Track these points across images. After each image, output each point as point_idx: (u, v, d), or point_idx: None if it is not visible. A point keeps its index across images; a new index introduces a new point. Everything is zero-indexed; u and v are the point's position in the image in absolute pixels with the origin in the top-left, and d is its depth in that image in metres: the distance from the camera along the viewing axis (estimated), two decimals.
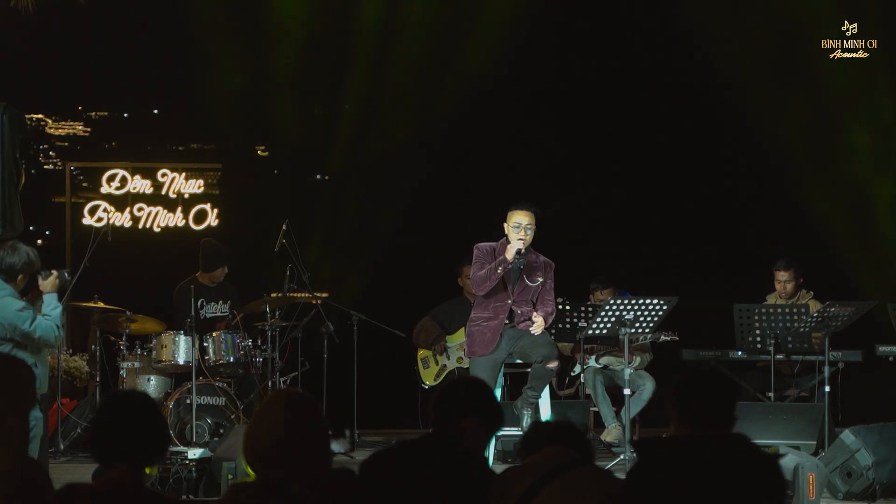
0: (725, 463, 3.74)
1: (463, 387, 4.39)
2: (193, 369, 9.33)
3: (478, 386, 4.37)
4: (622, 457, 8.59)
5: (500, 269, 8.24)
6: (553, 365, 8.40)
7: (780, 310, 9.41)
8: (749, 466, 3.77)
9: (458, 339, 10.21)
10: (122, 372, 9.74)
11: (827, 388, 8.90)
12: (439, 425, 4.21)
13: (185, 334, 9.50)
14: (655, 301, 8.66)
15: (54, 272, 7.35)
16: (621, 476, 4.18)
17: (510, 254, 8.21)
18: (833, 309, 8.96)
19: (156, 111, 13.49)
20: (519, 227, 8.25)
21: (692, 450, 3.76)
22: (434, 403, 4.27)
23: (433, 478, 4.03)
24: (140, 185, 12.40)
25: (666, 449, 3.80)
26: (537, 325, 8.30)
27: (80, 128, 13.97)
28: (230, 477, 7.04)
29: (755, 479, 3.73)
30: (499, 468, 4.21)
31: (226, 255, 10.27)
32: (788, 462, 7.21)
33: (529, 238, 8.26)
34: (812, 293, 9.99)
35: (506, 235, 8.37)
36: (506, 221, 8.35)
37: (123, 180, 12.37)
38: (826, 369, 8.94)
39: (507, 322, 8.36)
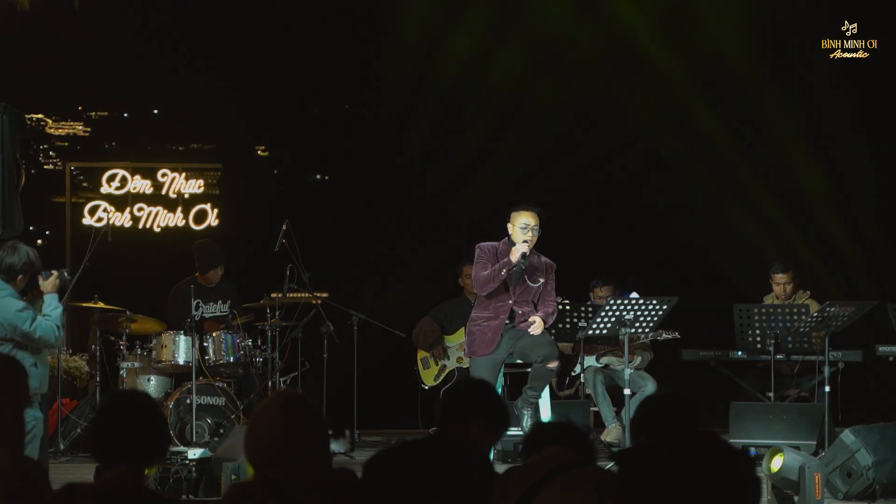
0: (704, 463, 3.74)
1: (468, 389, 4.39)
2: (193, 369, 9.34)
3: (483, 388, 4.38)
4: None
5: (504, 272, 8.24)
6: (553, 365, 8.40)
7: (779, 310, 9.41)
8: (726, 464, 3.78)
9: (457, 339, 10.20)
10: (122, 372, 9.75)
11: (827, 388, 8.90)
12: (443, 427, 4.21)
13: (185, 334, 9.51)
14: (655, 301, 8.66)
15: (54, 272, 7.34)
16: None
17: (515, 256, 8.20)
18: (833, 309, 8.96)
19: (156, 111, 13.50)
20: (526, 228, 8.25)
21: (672, 454, 3.76)
22: (439, 406, 4.28)
23: (435, 478, 4.03)
24: (140, 185, 12.40)
25: (647, 456, 3.80)
26: (536, 325, 8.31)
27: (80, 128, 13.97)
28: (233, 477, 7.03)
29: (733, 476, 3.74)
30: (499, 468, 4.21)
31: (221, 256, 10.28)
32: (793, 462, 7.22)
33: (535, 239, 8.27)
34: (809, 293, 10.00)
35: (508, 236, 8.37)
36: (510, 222, 8.34)
37: (123, 180, 12.37)
38: (826, 369, 8.94)
39: (507, 322, 8.36)
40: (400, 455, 4.15)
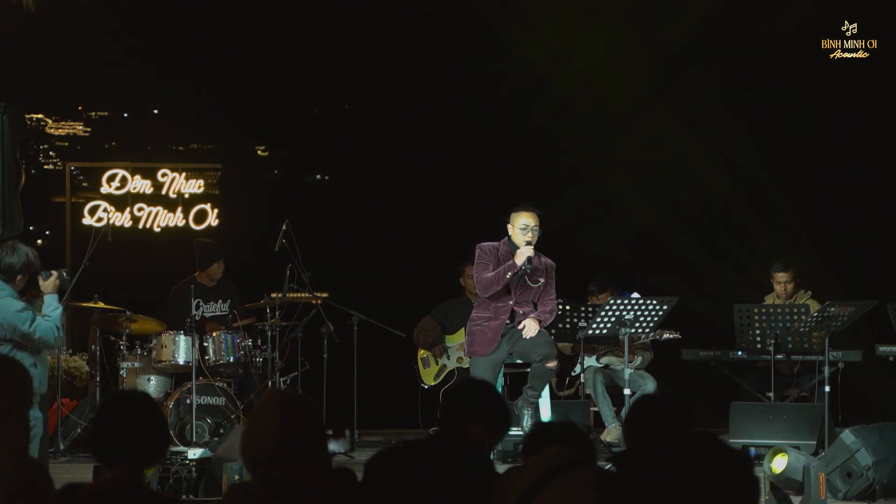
0: (702, 463, 3.73)
1: (469, 390, 4.39)
2: (193, 369, 9.34)
3: (484, 388, 4.38)
4: None
5: (509, 275, 8.22)
6: (552, 364, 8.39)
7: (779, 310, 9.40)
8: (724, 464, 3.77)
9: (458, 338, 10.20)
10: (122, 372, 9.74)
11: (827, 388, 8.90)
12: (444, 427, 4.21)
13: (185, 334, 9.50)
14: (655, 301, 8.65)
15: (54, 272, 7.34)
16: None
17: (520, 260, 8.18)
18: (833, 309, 8.95)
19: (156, 111, 13.49)
20: (526, 229, 8.23)
21: (670, 454, 3.76)
22: (441, 406, 4.28)
23: (435, 478, 4.03)
24: (140, 185, 12.40)
25: (645, 457, 3.80)
26: (528, 328, 8.29)
27: (80, 128, 13.96)
28: (237, 477, 7.02)
29: (731, 476, 3.74)
30: (499, 468, 4.20)
31: (220, 251, 10.27)
32: (797, 462, 7.23)
33: (535, 239, 8.25)
34: (810, 293, 9.99)
35: (508, 236, 8.35)
36: (510, 223, 8.32)
37: (123, 180, 12.37)
38: (826, 369, 8.93)
39: (507, 322, 8.36)
40: (401, 455, 4.15)
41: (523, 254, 8.20)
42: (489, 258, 8.32)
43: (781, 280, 9.94)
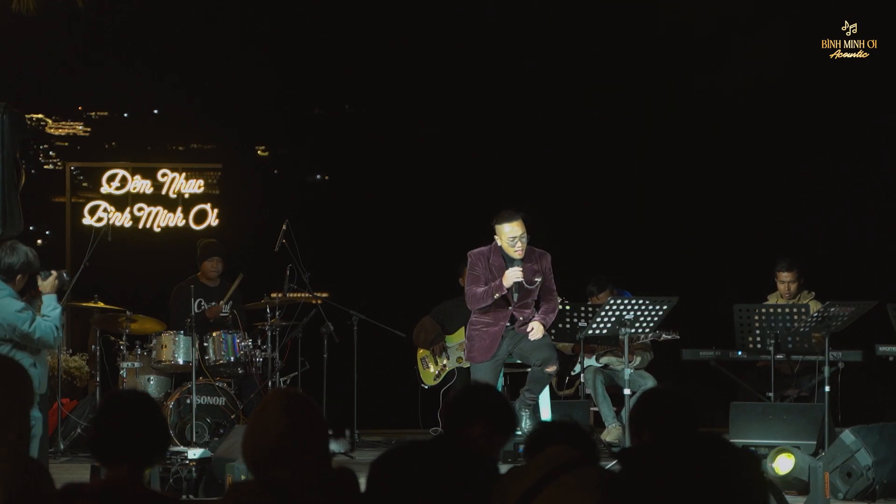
0: (709, 461, 3.73)
1: (473, 392, 4.38)
2: (193, 369, 9.33)
3: (489, 391, 4.38)
4: None
5: (496, 295, 8.16)
6: (552, 370, 8.37)
7: (780, 310, 9.38)
8: (730, 463, 3.77)
9: (457, 338, 10.19)
10: (122, 372, 9.74)
11: (827, 388, 8.88)
12: (449, 428, 4.21)
13: (185, 334, 9.50)
14: (655, 301, 8.64)
15: (54, 272, 7.34)
16: None
17: (508, 282, 8.14)
18: (833, 309, 8.93)
19: (156, 111, 13.49)
20: (514, 240, 8.15)
21: (675, 453, 3.75)
22: (442, 408, 4.29)
23: (440, 478, 4.03)
24: (140, 185, 12.40)
25: (649, 456, 3.80)
26: (535, 331, 8.27)
27: (80, 128, 13.96)
28: (243, 477, 7.01)
29: (739, 476, 3.73)
30: (501, 468, 4.20)
31: (212, 249, 10.23)
32: (802, 462, 7.22)
33: (525, 245, 8.20)
34: (813, 293, 9.96)
35: (496, 240, 8.29)
36: (496, 235, 8.25)
37: (123, 180, 12.37)
38: (826, 369, 8.91)
39: (507, 325, 8.34)
40: (406, 455, 4.14)
41: (511, 277, 8.13)
42: (480, 270, 8.24)
43: (785, 279, 9.90)
